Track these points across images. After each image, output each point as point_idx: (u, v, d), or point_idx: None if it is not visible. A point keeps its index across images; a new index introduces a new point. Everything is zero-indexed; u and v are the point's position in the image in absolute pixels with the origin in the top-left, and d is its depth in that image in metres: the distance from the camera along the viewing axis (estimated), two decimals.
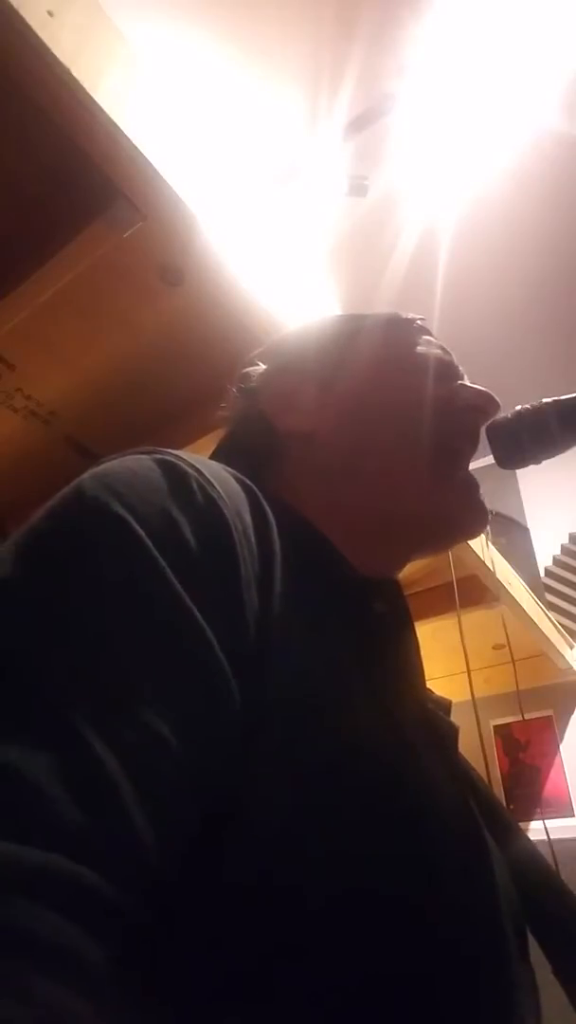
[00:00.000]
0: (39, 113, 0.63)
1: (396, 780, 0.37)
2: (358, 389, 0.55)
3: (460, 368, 0.59)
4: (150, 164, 0.67)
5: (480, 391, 0.55)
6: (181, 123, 0.72)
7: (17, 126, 0.67)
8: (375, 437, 0.54)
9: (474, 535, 0.57)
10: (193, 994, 0.29)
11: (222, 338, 0.88)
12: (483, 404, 0.55)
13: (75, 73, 0.59)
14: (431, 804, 0.39)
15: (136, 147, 0.66)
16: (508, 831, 0.49)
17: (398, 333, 0.58)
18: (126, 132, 0.64)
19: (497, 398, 0.55)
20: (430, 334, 0.59)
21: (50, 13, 0.57)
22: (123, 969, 0.24)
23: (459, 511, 0.54)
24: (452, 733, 0.52)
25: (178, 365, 0.95)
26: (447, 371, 0.57)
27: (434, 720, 0.51)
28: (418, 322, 0.59)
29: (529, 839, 0.52)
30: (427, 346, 0.57)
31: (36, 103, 0.62)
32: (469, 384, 0.57)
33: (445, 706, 0.56)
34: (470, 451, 0.55)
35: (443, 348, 0.58)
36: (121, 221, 0.72)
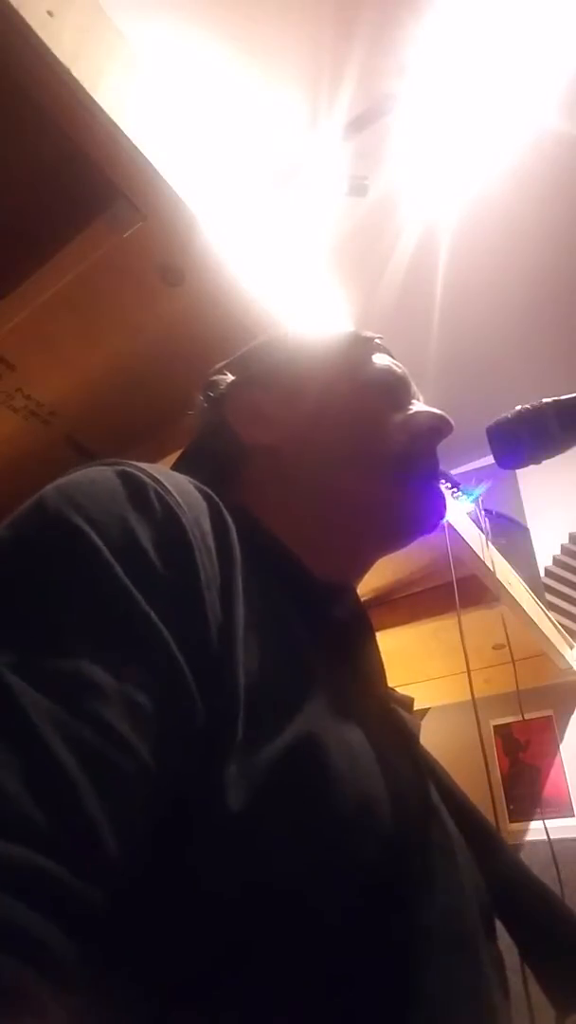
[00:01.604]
0: (39, 113, 0.63)
1: (356, 778, 0.38)
2: (317, 404, 0.57)
3: (415, 388, 0.61)
4: (150, 164, 0.67)
5: (434, 413, 0.58)
6: (181, 123, 0.72)
7: (17, 126, 0.67)
8: (332, 451, 0.55)
9: (430, 529, 0.58)
10: (164, 984, 0.30)
11: (222, 338, 0.87)
12: (438, 425, 0.57)
13: (75, 73, 0.59)
14: (391, 799, 0.40)
15: (136, 147, 0.66)
16: (476, 825, 0.51)
17: (356, 350, 0.60)
18: (126, 132, 0.64)
19: (451, 419, 0.57)
20: (389, 353, 0.62)
21: (50, 13, 0.57)
22: (84, 956, 0.25)
23: (414, 511, 0.56)
24: (414, 729, 0.54)
25: (178, 365, 0.95)
26: (402, 390, 0.59)
27: (395, 718, 0.53)
28: (377, 340, 0.61)
29: (497, 833, 0.54)
30: (384, 364, 0.60)
31: (36, 103, 0.62)
32: (423, 405, 0.60)
33: (407, 704, 0.57)
34: (429, 469, 0.57)
35: (401, 368, 0.60)
36: (121, 221, 0.72)
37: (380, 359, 0.60)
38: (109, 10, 0.65)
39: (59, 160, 0.69)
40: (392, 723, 0.51)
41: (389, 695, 0.56)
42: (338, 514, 0.55)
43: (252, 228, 0.85)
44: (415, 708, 0.59)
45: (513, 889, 0.49)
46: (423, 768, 0.51)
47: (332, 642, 0.48)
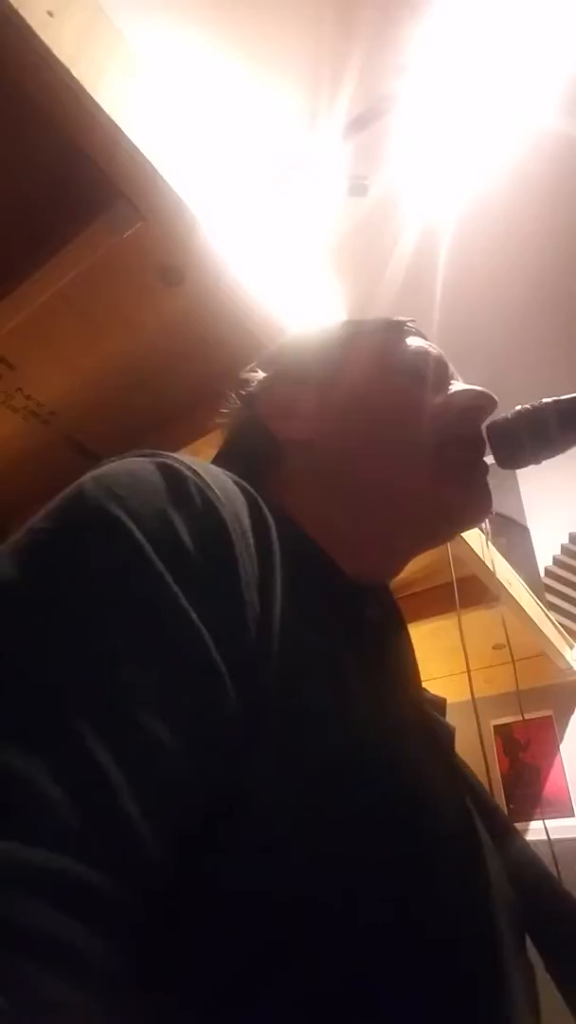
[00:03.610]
0: (39, 113, 0.63)
1: (394, 781, 0.38)
2: (353, 396, 0.55)
3: (453, 369, 0.59)
4: (150, 164, 0.67)
5: (477, 390, 0.55)
6: (181, 123, 0.72)
7: (17, 126, 0.67)
8: (372, 442, 0.54)
9: (478, 521, 0.57)
10: (195, 990, 0.29)
11: (222, 338, 0.88)
12: (481, 403, 0.55)
13: (75, 73, 0.59)
14: (428, 804, 0.39)
15: (136, 147, 0.66)
16: (505, 832, 0.50)
17: (390, 336, 0.58)
18: (126, 132, 0.64)
19: (494, 395, 0.55)
20: (423, 336, 0.59)
21: (50, 13, 0.57)
22: (122, 964, 0.24)
23: (460, 500, 0.54)
24: (449, 734, 0.52)
25: (178, 365, 0.95)
26: (440, 372, 0.57)
27: (431, 722, 0.52)
28: (409, 324, 0.59)
29: (525, 840, 0.53)
30: (419, 347, 0.57)
31: (36, 103, 0.62)
32: (463, 384, 0.57)
33: (440, 706, 0.56)
34: (474, 450, 0.55)
35: (436, 349, 0.58)
36: (121, 221, 0.72)
37: (413, 342, 0.58)
38: (109, 10, 0.65)
39: (59, 160, 0.69)
40: (427, 726, 0.50)
41: (423, 697, 0.54)
42: (375, 509, 0.53)
43: (252, 228, 0.85)
44: None
45: (537, 895, 0.48)
46: (458, 772, 0.50)
47: (366, 643, 0.47)
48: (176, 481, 0.37)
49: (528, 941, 0.46)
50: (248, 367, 0.62)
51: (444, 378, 0.57)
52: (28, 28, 0.56)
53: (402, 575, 0.57)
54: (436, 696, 0.57)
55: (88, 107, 0.61)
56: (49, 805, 0.25)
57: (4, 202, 0.75)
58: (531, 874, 0.50)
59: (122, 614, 0.32)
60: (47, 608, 0.31)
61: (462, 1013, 0.35)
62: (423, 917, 0.35)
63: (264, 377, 0.60)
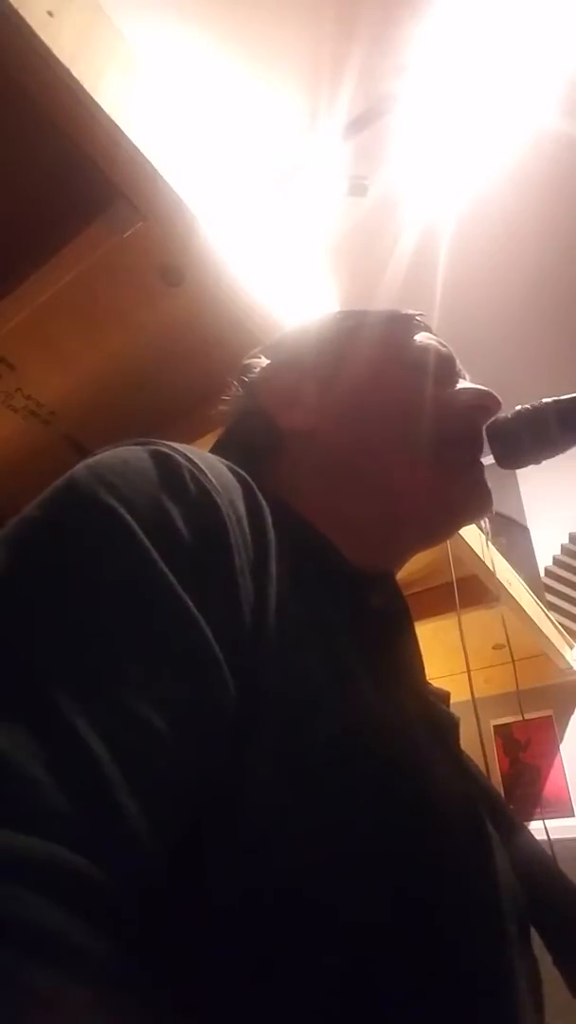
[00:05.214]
0: (39, 113, 0.63)
1: (398, 772, 0.37)
2: (358, 386, 0.55)
3: (460, 365, 0.58)
4: (150, 164, 0.67)
5: (481, 390, 0.55)
6: (181, 123, 0.72)
7: (17, 126, 0.67)
8: (375, 435, 0.53)
9: (477, 518, 0.57)
10: (191, 987, 0.29)
11: (222, 338, 0.88)
12: (485, 403, 0.55)
13: (75, 73, 0.59)
14: (433, 796, 0.39)
15: (136, 147, 0.66)
16: (510, 824, 0.49)
17: (397, 329, 0.58)
18: (126, 132, 0.64)
19: (498, 395, 0.55)
20: (430, 330, 0.59)
21: (50, 13, 0.58)
22: (115, 955, 0.24)
23: (460, 497, 0.54)
24: (453, 725, 0.52)
25: (178, 365, 0.95)
26: (447, 368, 0.57)
27: (435, 713, 0.51)
28: (417, 318, 0.59)
29: (530, 832, 0.52)
30: (427, 342, 0.57)
31: (36, 103, 0.62)
32: (470, 383, 0.57)
33: (443, 697, 0.56)
34: (474, 449, 0.55)
35: (443, 344, 0.58)
36: (121, 221, 0.72)
37: (422, 337, 0.58)
38: (109, 10, 0.65)
39: (59, 160, 0.69)
40: (431, 716, 0.49)
41: (427, 688, 0.54)
42: (375, 499, 0.53)
43: (252, 228, 0.85)
44: None
45: (544, 889, 0.48)
46: (463, 764, 0.49)
47: (370, 630, 0.47)
48: (170, 468, 0.37)
49: (532, 935, 0.46)
50: (251, 353, 0.62)
51: (450, 375, 0.57)
52: (28, 28, 0.56)
53: (402, 575, 0.57)
54: (440, 689, 0.56)
55: (88, 107, 0.61)
56: (37, 791, 0.24)
57: (4, 202, 0.75)
58: (538, 868, 0.49)
59: (116, 600, 0.31)
60: (41, 596, 0.31)
61: (466, 1010, 0.34)
62: (428, 913, 0.34)
63: (267, 365, 0.59)
